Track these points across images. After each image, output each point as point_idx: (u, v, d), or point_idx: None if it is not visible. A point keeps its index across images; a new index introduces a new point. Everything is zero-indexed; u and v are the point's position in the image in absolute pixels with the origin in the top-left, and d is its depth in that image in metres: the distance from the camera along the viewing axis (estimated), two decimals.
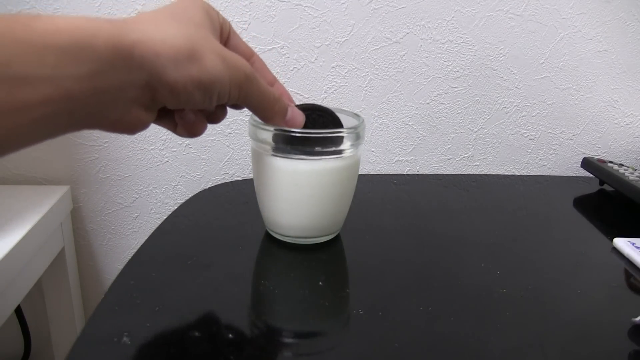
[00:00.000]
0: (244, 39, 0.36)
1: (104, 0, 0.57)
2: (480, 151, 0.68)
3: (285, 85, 0.40)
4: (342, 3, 0.59)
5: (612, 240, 0.47)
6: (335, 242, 0.45)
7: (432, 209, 0.55)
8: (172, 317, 0.34)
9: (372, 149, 0.66)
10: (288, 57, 0.60)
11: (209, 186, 0.63)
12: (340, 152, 0.40)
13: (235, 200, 0.55)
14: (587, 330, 0.35)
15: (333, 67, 0.61)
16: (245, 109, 0.35)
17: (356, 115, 0.43)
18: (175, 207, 0.52)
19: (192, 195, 0.56)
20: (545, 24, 0.63)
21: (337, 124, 0.41)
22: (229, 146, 0.63)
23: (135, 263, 0.40)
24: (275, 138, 0.40)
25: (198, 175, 0.64)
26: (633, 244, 0.45)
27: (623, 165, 0.60)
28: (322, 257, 0.43)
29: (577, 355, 0.33)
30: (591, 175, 0.62)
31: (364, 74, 0.62)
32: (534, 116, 0.67)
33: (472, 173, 0.69)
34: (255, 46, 0.58)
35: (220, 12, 0.33)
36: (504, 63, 0.64)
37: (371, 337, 0.33)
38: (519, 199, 0.60)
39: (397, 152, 0.67)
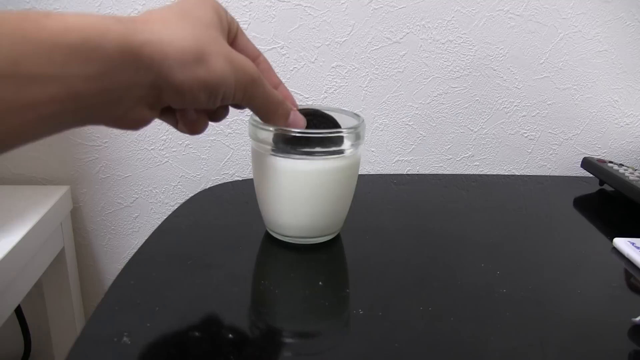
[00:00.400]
0: None
1: (104, 1, 0.57)
2: (480, 151, 0.68)
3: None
4: (342, 3, 0.59)
5: (612, 240, 0.47)
6: (335, 242, 0.45)
7: (432, 209, 0.55)
8: (172, 317, 0.34)
9: (372, 149, 0.66)
10: (288, 57, 0.60)
11: (209, 186, 0.63)
12: (340, 152, 0.40)
13: (235, 200, 0.55)
14: (587, 330, 0.35)
15: (333, 67, 0.61)
16: (246, 108, 0.35)
17: (356, 115, 0.43)
18: (175, 207, 0.52)
19: (192, 195, 0.56)
20: (545, 24, 0.63)
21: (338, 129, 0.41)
22: (229, 146, 0.63)
23: (135, 263, 0.40)
24: (276, 138, 0.40)
25: (198, 175, 0.64)
26: (633, 244, 0.45)
27: (623, 165, 0.60)
28: (322, 257, 0.43)
29: (577, 355, 0.33)
30: (591, 175, 0.62)
31: (364, 74, 0.62)
32: (534, 116, 0.67)
33: (472, 173, 0.69)
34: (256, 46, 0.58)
35: None
36: (504, 63, 0.64)
37: (371, 337, 0.33)
38: (519, 199, 0.60)
39: (397, 152, 0.67)
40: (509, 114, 0.66)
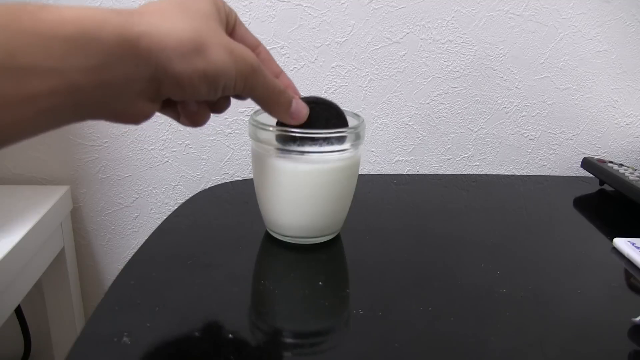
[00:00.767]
0: None
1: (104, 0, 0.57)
2: (480, 151, 0.68)
3: None
4: (342, 3, 0.59)
5: (612, 240, 0.47)
6: (335, 242, 0.45)
7: (432, 209, 0.55)
8: (172, 317, 0.34)
9: (372, 149, 0.66)
10: (288, 57, 0.60)
11: (209, 186, 0.63)
12: (340, 152, 0.40)
13: (235, 200, 0.55)
14: (587, 330, 0.35)
15: (333, 67, 0.61)
16: (247, 100, 0.34)
17: (356, 115, 0.43)
18: (175, 207, 0.52)
19: (192, 195, 0.56)
20: (545, 24, 0.63)
21: (341, 118, 0.41)
22: (229, 146, 0.63)
23: (135, 263, 0.40)
24: (276, 138, 0.40)
25: (198, 175, 0.64)
26: (633, 244, 0.45)
27: (623, 165, 0.60)
28: (322, 257, 0.43)
29: (577, 355, 0.33)
30: (591, 175, 0.62)
31: (364, 74, 0.62)
32: (534, 116, 0.67)
33: (472, 173, 0.69)
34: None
35: None
36: (504, 63, 0.64)
37: (371, 337, 0.33)
38: (519, 199, 0.60)
39: (397, 152, 0.67)
40: (509, 114, 0.66)
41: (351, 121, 0.42)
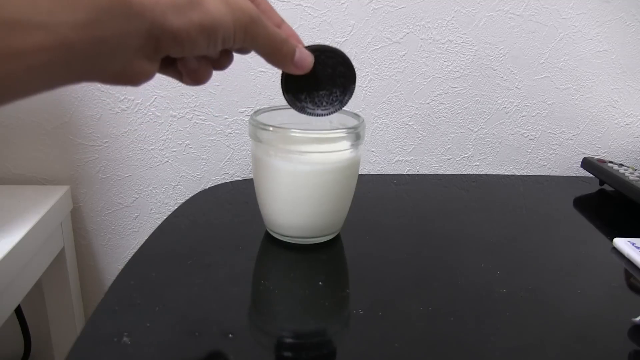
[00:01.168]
0: None
1: None
2: (480, 151, 0.68)
3: None
4: (342, 3, 0.59)
5: (612, 240, 0.47)
6: (335, 242, 0.45)
7: (432, 209, 0.55)
8: (172, 317, 0.34)
9: (372, 149, 0.66)
10: None
11: (209, 186, 0.63)
12: (340, 152, 0.40)
13: (235, 200, 0.55)
14: (587, 330, 0.35)
15: None
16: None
17: (356, 115, 0.43)
18: (175, 207, 0.52)
19: (192, 195, 0.56)
20: (545, 24, 0.63)
21: (348, 65, 0.39)
22: (229, 146, 0.63)
23: (135, 263, 0.40)
24: (276, 138, 0.40)
25: (198, 175, 0.64)
26: (633, 244, 0.45)
27: (623, 165, 0.60)
28: (322, 257, 0.43)
29: (577, 355, 0.33)
30: (591, 175, 0.62)
31: (364, 74, 0.62)
32: (534, 116, 0.67)
33: (472, 173, 0.69)
34: None
35: None
36: (504, 63, 0.64)
37: (371, 337, 0.33)
38: (519, 199, 0.60)
39: (397, 152, 0.66)
40: (509, 114, 0.66)
41: (351, 121, 0.42)
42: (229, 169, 0.64)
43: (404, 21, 0.61)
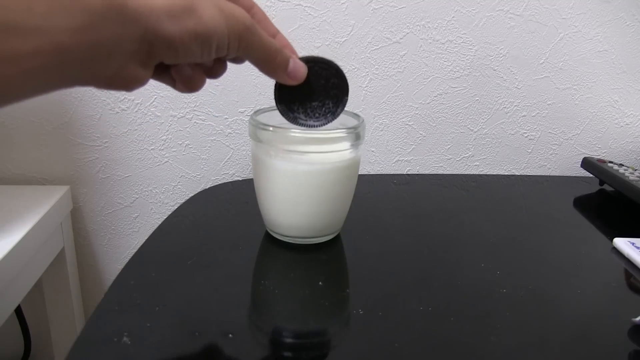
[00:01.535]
0: None
1: None
2: (480, 151, 0.68)
3: None
4: (342, 3, 0.59)
5: (612, 240, 0.47)
6: (335, 242, 0.45)
7: (432, 209, 0.55)
8: (172, 317, 0.34)
9: (372, 149, 0.66)
10: None
11: (209, 186, 0.63)
12: (340, 152, 0.40)
13: (235, 200, 0.55)
14: (587, 330, 0.35)
15: None
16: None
17: (356, 115, 0.43)
18: (175, 207, 0.52)
19: (192, 195, 0.56)
20: (545, 24, 0.63)
21: (341, 77, 0.39)
22: (229, 146, 0.63)
23: (135, 263, 0.40)
24: (276, 138, 0.40)
25: (198, 175, 0.64)
26: (633, 244, 0.45)
27: (623, 165, 0.60)
28: (322, 257, 0.43)
29: (577, 355, 0.33)
30: (591, 175, 0.62)
31: (364, 74, 0.62)
32: (534, 116, 0.67)
33: (472, 173, 0.69)
34: None
35: None
36: (504, 63, 0.64)
37: (371, 337, 0.33)
38: (519, 199, 0.60)
39: (397, 152, 0.67)
40: (509, 114, 0.66)
41: (351, 121, 0.42)
42: (229, 169, 0.64)
43: (404, 21, 0.61)
